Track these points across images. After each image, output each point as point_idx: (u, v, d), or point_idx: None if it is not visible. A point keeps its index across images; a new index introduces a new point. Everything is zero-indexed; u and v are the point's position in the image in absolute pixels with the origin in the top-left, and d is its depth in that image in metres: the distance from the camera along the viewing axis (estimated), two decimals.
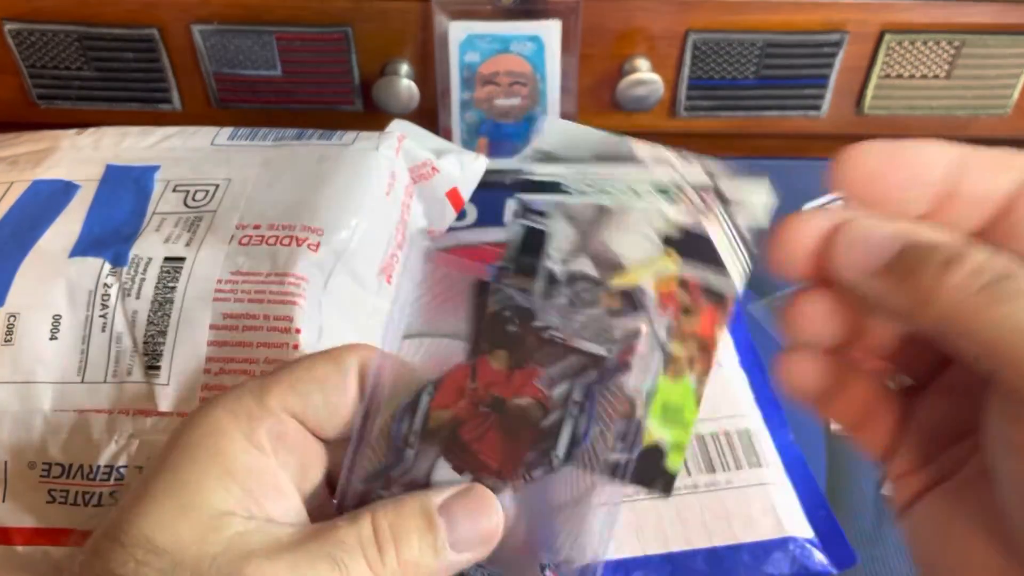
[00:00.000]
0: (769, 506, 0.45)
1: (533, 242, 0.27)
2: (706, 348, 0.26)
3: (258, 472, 0.27)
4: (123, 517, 0.26)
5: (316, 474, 0.29)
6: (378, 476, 0.29)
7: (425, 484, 0.28)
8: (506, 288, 0.28)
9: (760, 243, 0.25)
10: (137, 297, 0.44)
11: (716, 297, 0.26)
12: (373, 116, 0.63)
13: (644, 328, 0.27)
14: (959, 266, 0.20)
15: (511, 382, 0.28)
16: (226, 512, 0.26)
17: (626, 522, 0.44)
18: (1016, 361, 0.19)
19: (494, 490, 0.28)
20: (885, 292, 0.22)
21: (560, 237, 0.27)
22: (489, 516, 0.28)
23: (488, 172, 0.54)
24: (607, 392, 0.28)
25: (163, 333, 0.43)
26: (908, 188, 0.22)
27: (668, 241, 0.26)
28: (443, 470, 0.29)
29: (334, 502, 0.29)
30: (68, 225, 0.47)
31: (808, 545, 0.44)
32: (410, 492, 0.28)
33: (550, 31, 0.61)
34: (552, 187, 0.27)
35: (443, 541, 0.27)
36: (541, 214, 0.27)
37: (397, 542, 0.27)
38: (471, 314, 0.28)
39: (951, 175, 0.22)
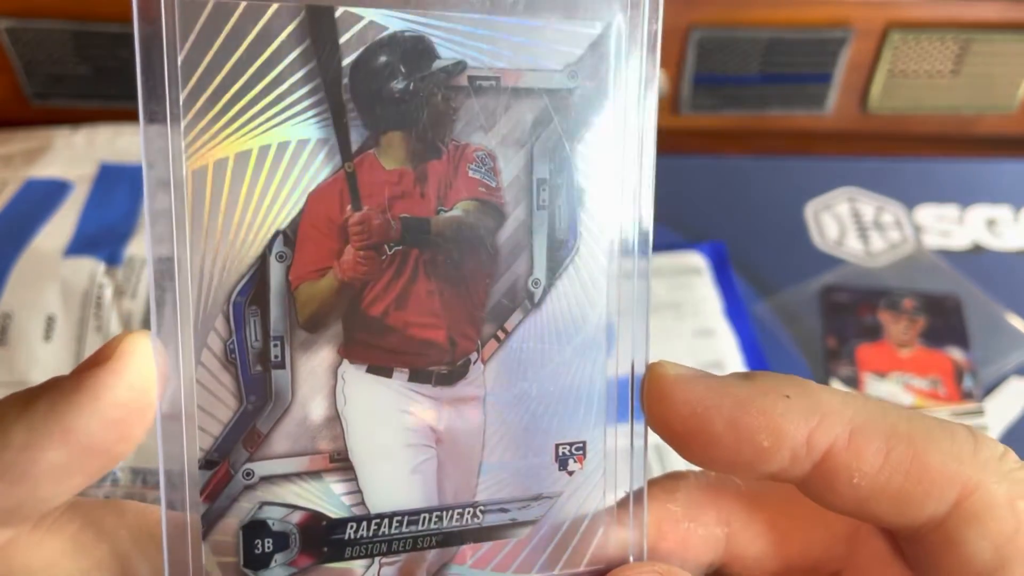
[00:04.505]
0: None
1: None
2: None
3: None
4: None
5: None
6: (235, 439, 0.15)
7: (331, 418, 0.16)
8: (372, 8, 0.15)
9: None
10: (132, 297, 0.43)
11: None
12: None
13: (619, 16, 0.16)
14: None
15: (427, 185, 0.16)
16: None
17: None
18: None
19: (450, 377, 0.17)
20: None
21: None
22: None
23: None
24: (583, 146, 0.17)
25: None
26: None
27: None
28: (353, 379, 0.16)
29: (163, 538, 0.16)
30: (62, 224, 0.47)
31: None
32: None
33: None
34: None
35: None
36: None
37: None
38: (315, 72, 0.15)
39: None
